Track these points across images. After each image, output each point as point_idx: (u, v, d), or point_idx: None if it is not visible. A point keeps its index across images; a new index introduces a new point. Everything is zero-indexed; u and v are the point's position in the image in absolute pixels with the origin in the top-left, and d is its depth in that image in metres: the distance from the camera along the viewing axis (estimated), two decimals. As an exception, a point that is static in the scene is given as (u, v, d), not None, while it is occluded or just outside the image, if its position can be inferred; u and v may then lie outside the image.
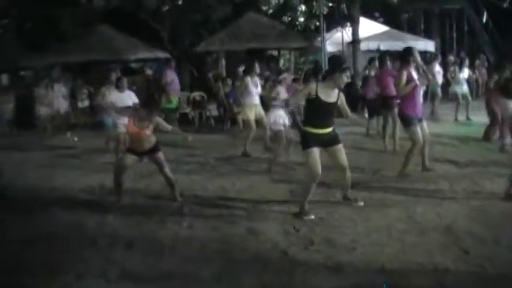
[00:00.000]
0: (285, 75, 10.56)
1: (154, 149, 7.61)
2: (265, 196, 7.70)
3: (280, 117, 9.52)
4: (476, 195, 7.37)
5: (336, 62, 6.82)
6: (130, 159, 7.58)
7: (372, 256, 5.35)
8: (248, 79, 11.02)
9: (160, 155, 7.65)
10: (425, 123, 8.65)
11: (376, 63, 12.88)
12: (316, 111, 6.53)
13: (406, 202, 7.09)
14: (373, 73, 12.88)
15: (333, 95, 6.56)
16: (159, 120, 7.74)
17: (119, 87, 10.76)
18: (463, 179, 8.24)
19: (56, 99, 15.17)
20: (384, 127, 10.96)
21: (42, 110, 15.07)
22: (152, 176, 8.71)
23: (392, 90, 10.35)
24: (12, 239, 6.40)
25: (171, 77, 16.14)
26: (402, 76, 8.30)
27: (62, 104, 15.40)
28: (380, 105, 11.36)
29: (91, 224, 6.87)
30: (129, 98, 10.36)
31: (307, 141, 6.56)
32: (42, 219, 7.19)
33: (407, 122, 8.42)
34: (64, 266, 5.48)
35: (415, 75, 8.40)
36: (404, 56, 8.53)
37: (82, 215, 7.26)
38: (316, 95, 6.43)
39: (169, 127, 7.95)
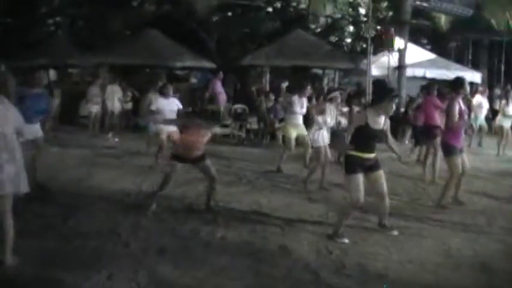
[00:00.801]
0: (335, 93, 10.42)
1: (202, 157, 7.69)
2: (300, 215, 7.68)
3: (322, 136, 9.49)
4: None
5: (385, 88, 6.78)
6: (177, 166, 7.67)
7: (403, 286, 5.30)
8: (296, 98, 11.01)
9: (208, 162, 7.75)
10: (465, 156, 8.57)
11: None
12: (364, 137, 6.48)
13: (443, 234, 6.98)
14: (420, 100, 12.65)
15: (380, 122, 6.55)
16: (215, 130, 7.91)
17: (164, 93, 10.89)
18: (501, 215, 8.08)
19: (110, 100, 15.45)
20: (426, 156, 10.84)
21: (93, 109, 15.39)
22: (189, 184, 8.78)
23: (436, 120, 10.26)
24: (47, 234, 6.51)
25: (220, 88, 16.34)
26: (455, 108, 8.21)
27: (116, 105, 15.67)
28: (423, 134, 11.23)
29: (125, 226, 6.94)
30: (174, 104, 10.55)
31: (352, 166, 6.51)
32: (78, 217, 7.30)
33: (449, 151, 8.33)
34: (96, 265, 5.55)
35: (462, 106, 8.33)
36: (456, 86, 8.44)
37: (117, 216, 7.37)
38: (366, 123, 6.44)
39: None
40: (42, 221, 7.00)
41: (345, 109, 11.91)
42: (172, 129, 10.88)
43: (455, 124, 8.23)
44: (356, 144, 6.49)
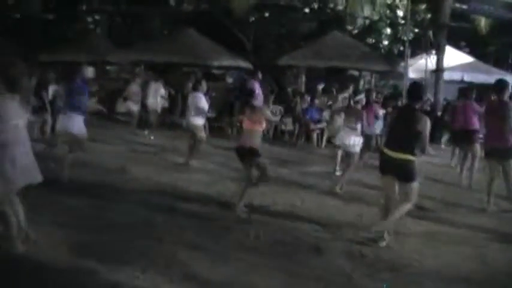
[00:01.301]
0: (361, 96, 10.39)
1: (256, 153, 7.68)
2: (333, 216, 7.67)
3: (356, 140, 9.50)
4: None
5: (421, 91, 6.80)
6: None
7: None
8: (339, 97, 10.97)
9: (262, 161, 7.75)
10: None
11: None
12: None
13: (478, 241, 6.89)
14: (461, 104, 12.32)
15: None
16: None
17: (197, 89, 11.05)
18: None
19: (153, 97, 15.57)
20: (464, 161, 10.69)
21: (133, 107, 15.56)
22: (224, 182, 8.82)
23: (476, 124, 10.12)
24: (82, 225, 6.61)
25: (258, 89, 16.31)
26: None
27: (158, 103, 15.76)
28: (463, 138, 11.00)
29: (159, 221, 7.02)
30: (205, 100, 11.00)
31: None
32: (112, 210, 7.40)
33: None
34: (130, 257, 5.64)
35: None
36: (503, 87, 8.29)
37: (152, 211, 7.44)
38: None
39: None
40: (76, 213, 7.12)
41: (381, 111, 11.84)
42: (198, 125, 10.91)
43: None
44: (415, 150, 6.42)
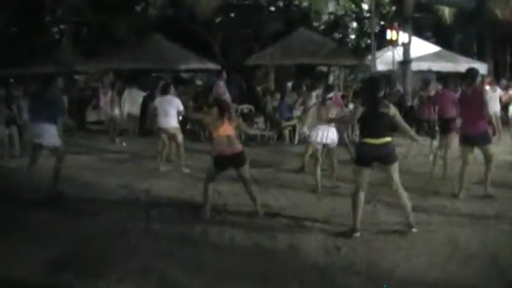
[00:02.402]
0: (332, 93, 10.42)
1: (242, 158, 7.60)
2: (308, 213, 7.67)
3: (334, 134, 9.51)
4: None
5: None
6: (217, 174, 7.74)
7: (411, 283, 5.30)
8: (313, 94, 11.00)
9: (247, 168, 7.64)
10: None
11: (432, 84, 12.58)
12: None
13: (451, 227, 6.95)
14: (432, 93, 12.26)
15: None
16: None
17: (167, 93, 11.06)
18: (510, 205, 8.04)
19: (130, 104, 15.41)
20: (437, 149, 10.77)
21: (113, 113, 15.40)
22: (197, 187, 8.78)
23: (453, 113, 10.22)
24: (57, 239, 6.56)
25: (223, 89, 16.29)
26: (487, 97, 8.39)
27: (135, 109, 15.59)
28: (439, 128, 11.04)
29: (134, 230, 6.99)
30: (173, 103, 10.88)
31: None
32: (86, 221, 7.36)
33: (490, 139, 8.53)
34: (105, 268, 5.61)
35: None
36: (474, 76, 8.56)
37: (126, 220, 7.42)
38: None
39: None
40: (50, 226, 7.08)
41: (351, 106, 11.91)
42: (174, 128, 10.83)
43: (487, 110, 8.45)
44: None
